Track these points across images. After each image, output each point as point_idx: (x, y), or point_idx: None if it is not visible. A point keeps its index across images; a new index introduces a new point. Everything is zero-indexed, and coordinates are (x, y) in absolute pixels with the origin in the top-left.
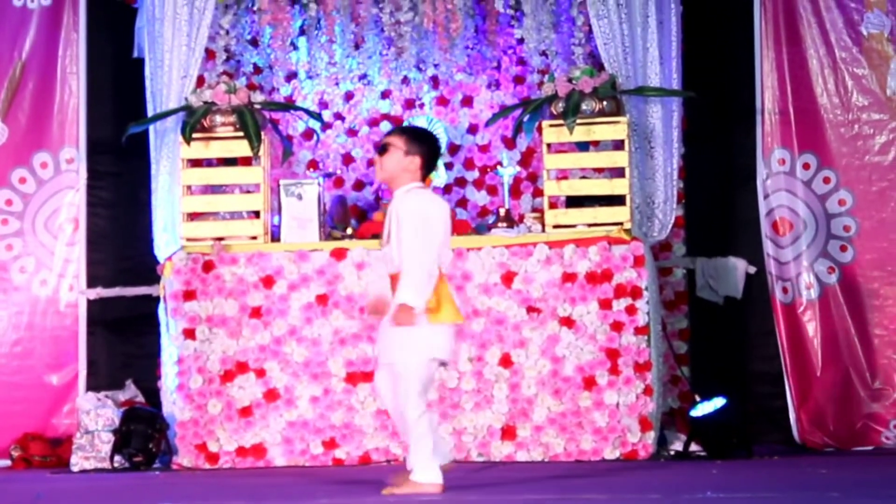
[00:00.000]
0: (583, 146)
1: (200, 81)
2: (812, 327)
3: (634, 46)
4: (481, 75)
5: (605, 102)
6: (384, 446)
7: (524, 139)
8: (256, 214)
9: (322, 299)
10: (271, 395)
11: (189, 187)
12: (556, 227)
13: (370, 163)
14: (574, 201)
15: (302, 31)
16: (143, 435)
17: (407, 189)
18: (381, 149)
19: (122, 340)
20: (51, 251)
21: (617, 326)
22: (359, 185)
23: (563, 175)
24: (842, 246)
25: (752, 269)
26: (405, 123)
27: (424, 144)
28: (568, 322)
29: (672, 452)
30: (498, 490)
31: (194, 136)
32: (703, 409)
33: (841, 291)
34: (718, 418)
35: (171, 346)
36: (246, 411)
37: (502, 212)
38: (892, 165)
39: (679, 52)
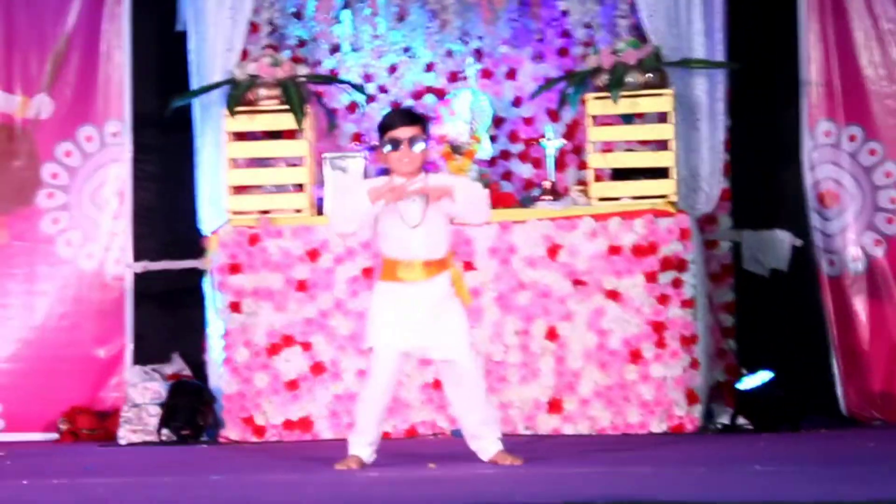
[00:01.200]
0: (627, 119)
1: (244, 55)
2: (859, 300)
3: (679, 18)
4: (525, 48)
5: (649, 75)
6: (430, 419)
7: (569, 112)
8: (301, 187)
9: (367, 272)
10: (317, 368)
11: (234, 160)
12: (601, 199)
13: None
14: (619, 174)
15: (346, 4)
16: (190, 408)
17: (425, 174)
18: (415, 142)
19: (169, 314)
20: (97, 224)
21: (663, 300)
22: None
23: (607, 148)
24: (888, 218)
25: (799, 242)
26: (403, 107)
27: None
28: (614, 295)
29: (719, 426)
30: (545, 463)
31: (238, 109)
32: (750, 382)
33: (888, 264)
34: (765, 391)
35: (217, 320)
36: (292, 384)
37: (547, 184)
38: None
39: (723, 23)
